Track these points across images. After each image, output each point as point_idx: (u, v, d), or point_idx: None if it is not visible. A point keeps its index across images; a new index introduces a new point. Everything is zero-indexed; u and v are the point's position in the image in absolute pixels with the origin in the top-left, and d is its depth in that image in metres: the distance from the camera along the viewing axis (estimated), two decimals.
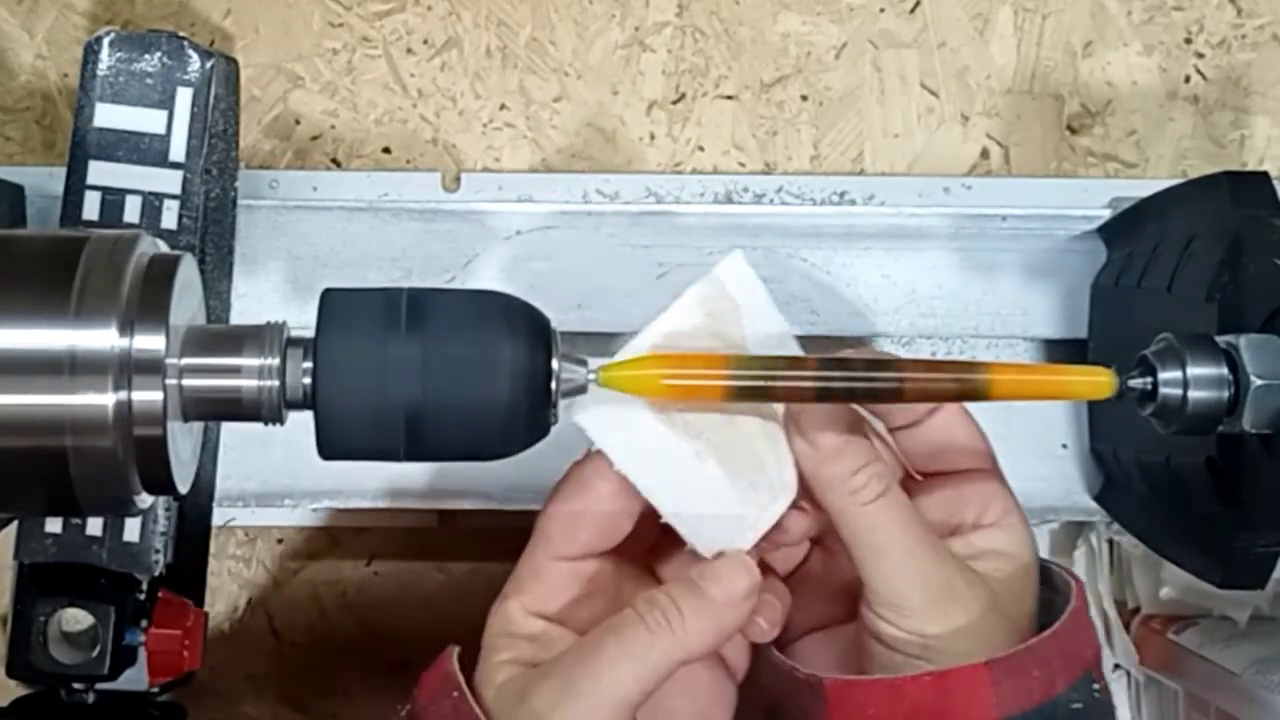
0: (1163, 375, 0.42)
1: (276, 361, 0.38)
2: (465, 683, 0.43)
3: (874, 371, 0.40)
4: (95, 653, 0.51)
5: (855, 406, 0.44)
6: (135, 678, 0.52)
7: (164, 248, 0.39)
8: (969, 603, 0.42)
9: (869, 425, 0.45)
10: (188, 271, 0.38)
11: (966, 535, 0.45)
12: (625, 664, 0.41)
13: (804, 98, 0.64)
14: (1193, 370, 0.42)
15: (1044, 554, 0.63)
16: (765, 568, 0.45)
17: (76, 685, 0.52)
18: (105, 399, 0.35)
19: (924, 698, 0.41)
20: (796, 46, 0.65)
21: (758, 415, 0.44)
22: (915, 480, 0.46)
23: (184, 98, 0.53)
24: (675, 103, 0.64)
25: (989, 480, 0.46)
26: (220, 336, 0.38)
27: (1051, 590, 0.46)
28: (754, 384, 0.40)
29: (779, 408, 0.44)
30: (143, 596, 0.52)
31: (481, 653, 0.45)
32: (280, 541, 0.64)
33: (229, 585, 0.64)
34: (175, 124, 0.53)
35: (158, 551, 0.52)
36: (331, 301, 0.38)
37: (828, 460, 0.43)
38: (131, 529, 0.51)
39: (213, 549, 0.61)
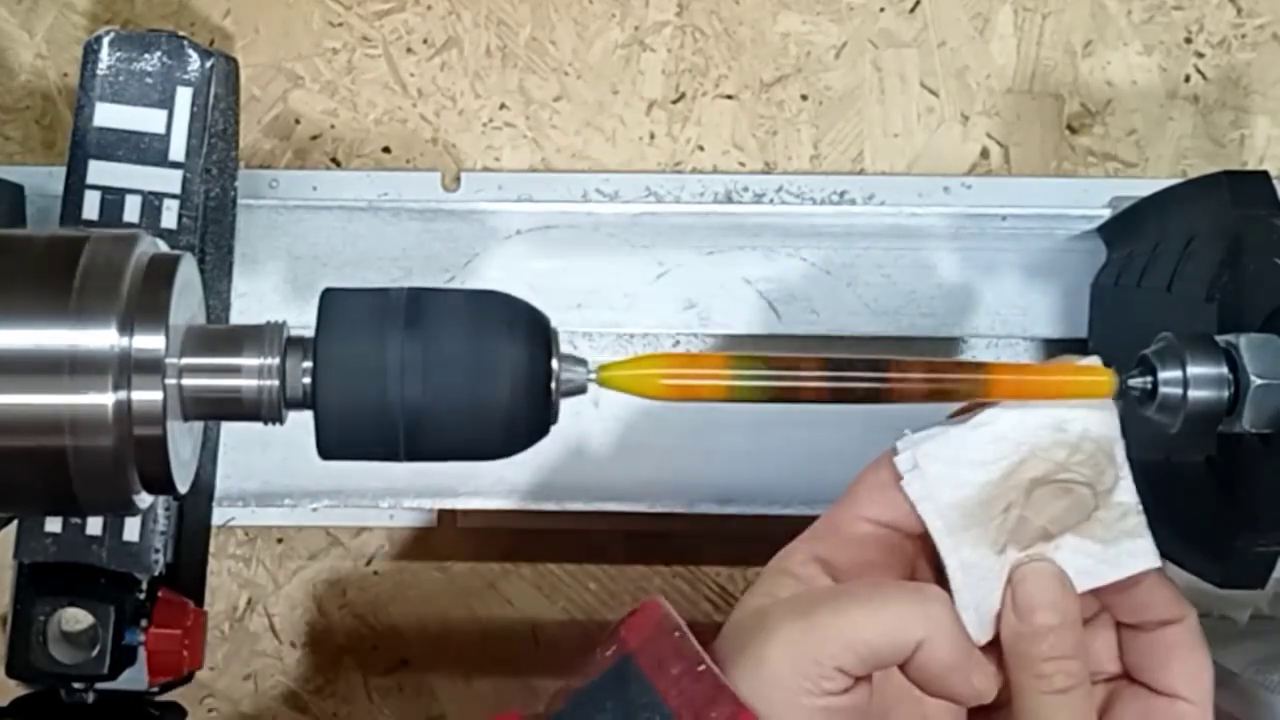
0: (1163, 375, 0.42)
1: (276, 361, 0.38)
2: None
3: (874, 371, 0.40)
4: (95, 652, 0.51)
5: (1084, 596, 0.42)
6: (135, 677, 0.52)
7: (164, 247, 0.39)
8: None
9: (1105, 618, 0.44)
10: (188, 271, 0.38)
11: None
12: (868, 610, 0.39)
13: (804, 97, 0.64)
14: (1193, 370, 0.42)
15: None
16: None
17: (76, 685, 0.52)
18: (105, 399, 0.35)
19: None
20: (796, 46, 0.65)
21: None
22: (1122, 682, 0.44)
23: (184, 97, 0.53)
24: (675, 102, 0.64)
25: (1195, 710, 0.43)
26: (220, 336, 0.38)
27: None
28: (754, 384, 0.40)
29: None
30: (142, 596, 0.52)
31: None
32: (280, 541, 0.64)
33: (229, 585, 0.64)
34: (175, 123, 0.53)
35: (158, 551, 0.52)
36: (331, 301, 0.38)
37: (1027, 636, 0.41)
38: (131, 529, 0.51)
39: (213, 549, 0.61)
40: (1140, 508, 0.42)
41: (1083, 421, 0.42)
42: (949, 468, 0.42)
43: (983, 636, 0.42)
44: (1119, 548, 0.42)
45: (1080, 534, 0.42)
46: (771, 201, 0.63)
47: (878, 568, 0.43)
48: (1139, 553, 0.42)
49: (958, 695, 0.41)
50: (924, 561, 0.44)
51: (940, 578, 0.42)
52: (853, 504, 0.43)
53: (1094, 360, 0.42)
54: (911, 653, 0.39)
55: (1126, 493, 0.42)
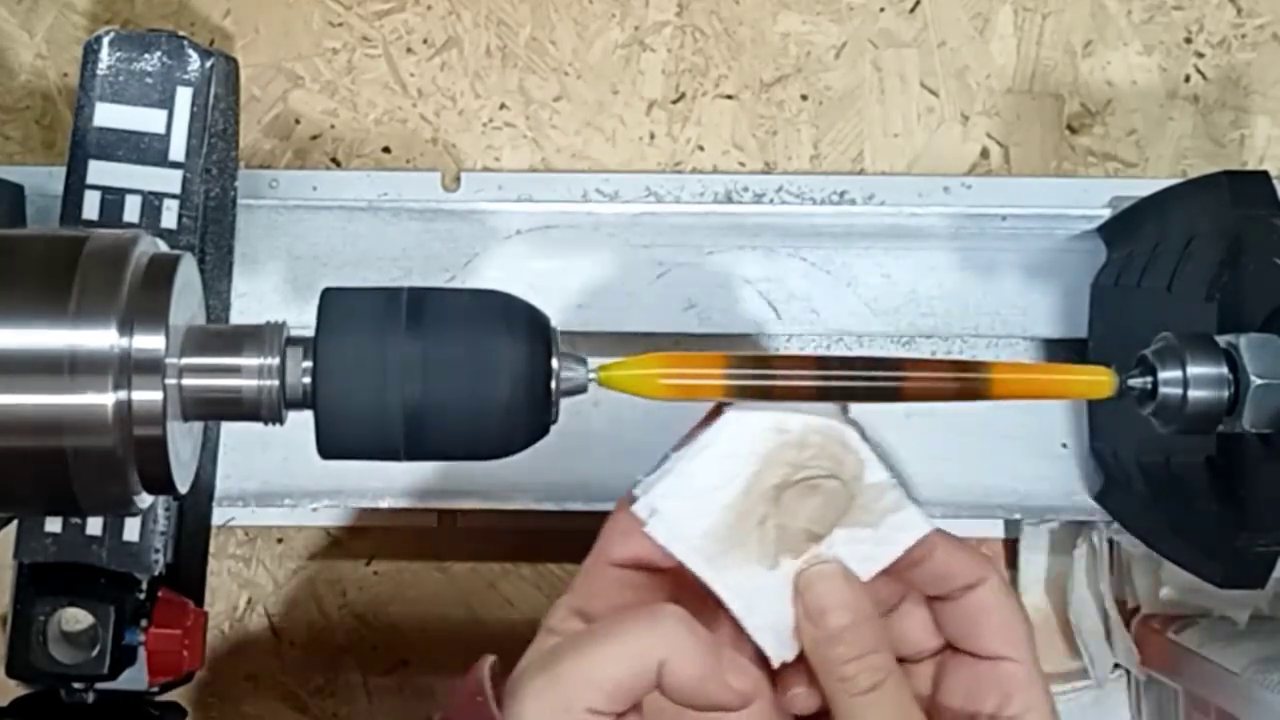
0: (1162, 374, 0.42)
1: (276, 361, 0.38)
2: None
3: (874, 370, 0.40)
4: (95, 652, 0.50)
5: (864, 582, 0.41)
6: (135, 677, 0.52)
7: (164, 247, 0.39)
8: None
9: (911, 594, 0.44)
10: (188, 271, 0.38)
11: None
12: (605, 646, 0.39)
13: (804, 97, 0.64)
14: (1192, 369, 0.42)
15: (1044, 553, 0.64)
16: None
17: (76, 685, 0.51)
18: (105, 399, 0.35)
19: None
20: (796, 46, 0.65)
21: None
22: (949, 653, 0.44)
23: (184, 97, 0.53)
24: (675, 102, 0.64)
25: (1019, 668, 0.43)
26: (220, 336, 0.38)
27: None
28: (754, 384, 0.40)
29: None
30: (142, 596, 0.52)
31: None
32: (280, 541, 0.64)
33: (229, 585, 0.64)
34: (175, 123, 0.53)
35: (158, 551, 0.52)
36: (331, 301, 0.38)
37: (824, 641, 0.41)
38: (131, 529, 0.51)
39: (213, 549, 0.61)
40: (895, 481, 0.41)
41: (800, 418, 0.41)
42: (686, 501, 0.41)
43: (788, 653, 0.41)
44: (887, 526, 0.41)
45: (847, 525, 0.41)
46: (771, 201, 0.63)
47: (633, 608, 0.42)
48: (908, 525, 0.41)
49: (721, 702, 0.40)
50: (688, 593, 0.42)
51: (720, 604, 0.42)
52: (601, 553, 0.43)
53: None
54: (657, 676, 0.38)
55: (876, 472, 0.41)
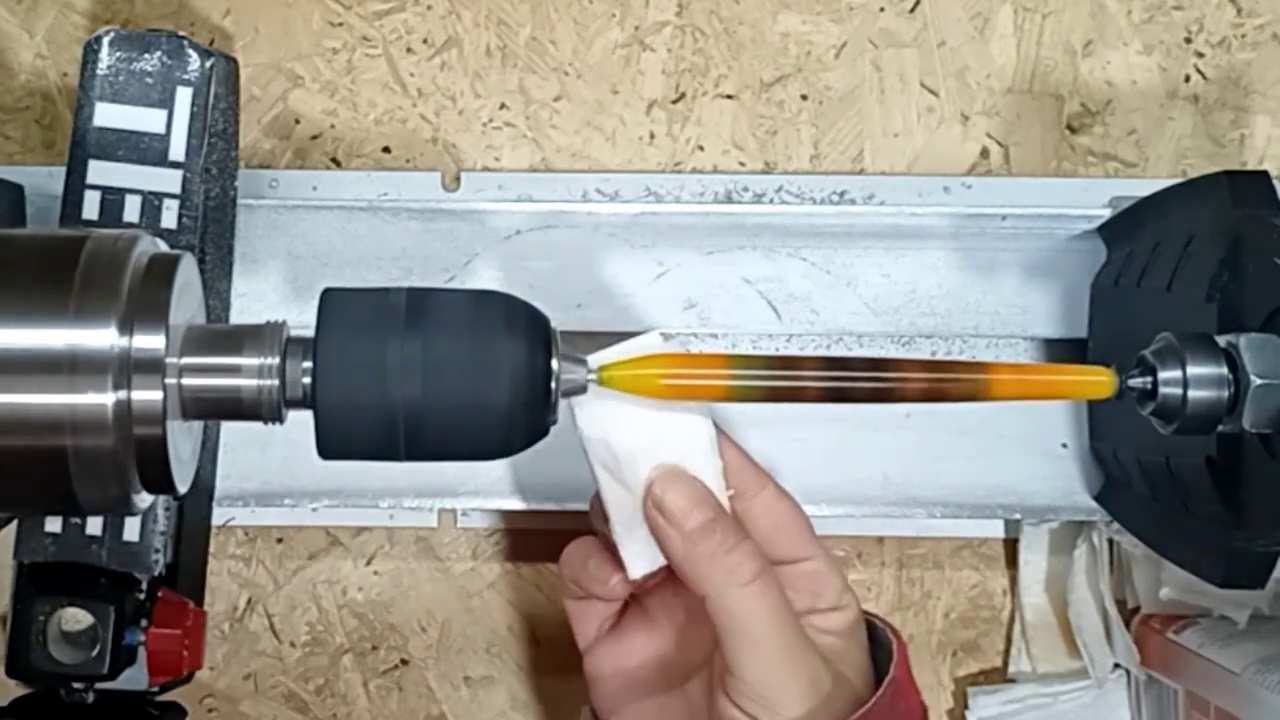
0: (1162, 375, 0.42)
1: (276, 361, 0.38)
2: None
3: (874, 371, 0.40)
4: (95, 652, 0.50)
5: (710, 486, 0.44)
6: (135, 677, 0.52)
7: (164, 247, 0.39)
8: (824, 686, 0.42)
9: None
10: (188, 271, 0.38)
11: (807, 618, 0.44)
12: None
13: (804, 97, 0.64)
14: (1192, 370, 0.42)
15: (1044, 553, 0.64)
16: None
17: (76, 685, 0.51)
18: (105, 398, 0.35)
19: None
20: (796, 46, 0.65)
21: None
22: None
23: (184, 97, 0.53)
24: (675, 102, 0.64)
25: (819, 562, 0.45)
26: (220, 336, 0.38)
27: (875, 645, 0.46)
28: (754, 384, 0.40)
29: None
30: (142, 596, 0.52)
31: None
32: (280, 541, 0.64)
33: (229, 585, 0.64)
34: (175, 123, 0.53)
35: (158, 551, 0.52)
36: (331, 301, 0.38)
37: (699, 539, 0.42)
38: (131, 528, 0.51)
39: (213, 549, 0.61)
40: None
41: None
42: (611, 412, 0.43)
43: (655, 562, 0.44)
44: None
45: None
46: (771, 201, 0.63)
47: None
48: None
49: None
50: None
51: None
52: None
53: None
54: None
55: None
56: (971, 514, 0.61)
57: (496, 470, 0.61)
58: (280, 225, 0.61)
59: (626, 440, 0.43)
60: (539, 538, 0.64)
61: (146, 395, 0.36)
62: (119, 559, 0.51)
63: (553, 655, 0.64)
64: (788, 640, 0.42)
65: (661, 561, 0.44)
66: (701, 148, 0.64)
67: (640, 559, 0.44)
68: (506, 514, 0.63)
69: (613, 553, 0.46)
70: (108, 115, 0.52)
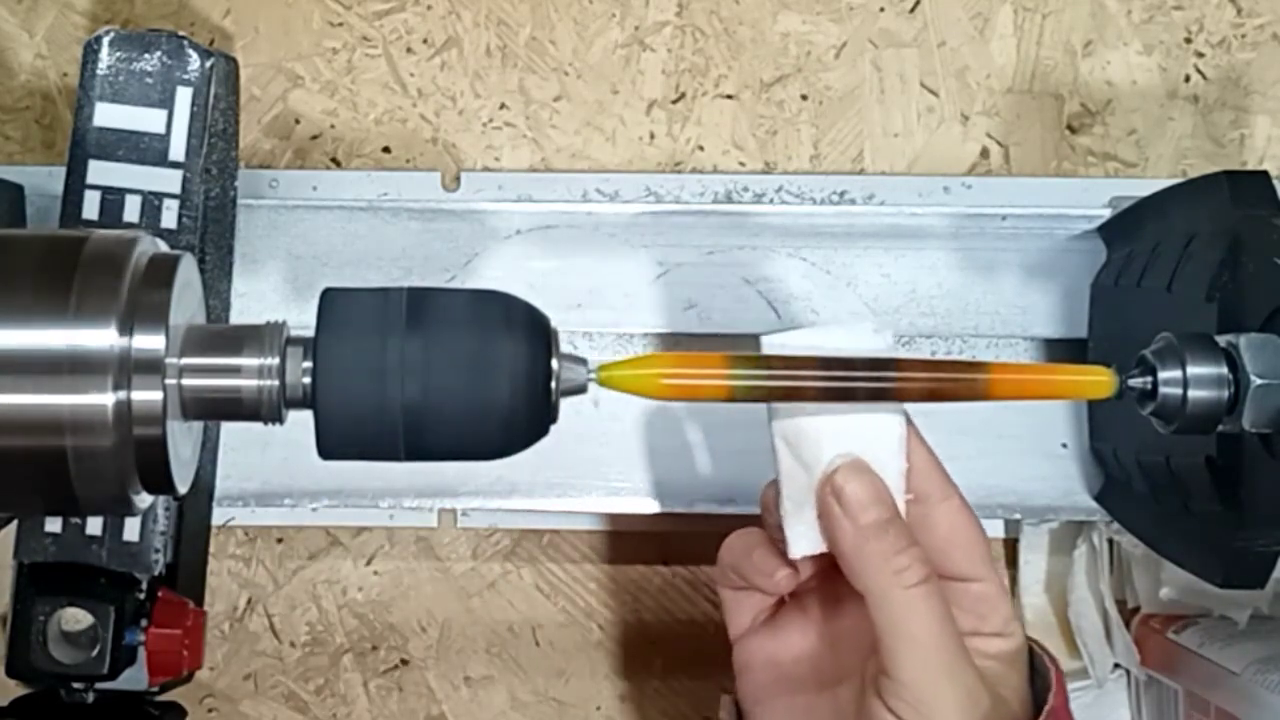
0: (1162, 374, 0.42)
1: (276, 361, 0.38)
2: None
3: (874, 371, 0.40)
4: (95, 652, 0.50)
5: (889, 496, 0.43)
6: (135, 677, 0.52)
7: (164, 247, 0.39)
8: (983, 703, 0.41)
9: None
10: (187, 271, 0.38)
11: (970, 639, 0.44)
12: None
13: (804, 97, 0.64)
14: (1192, 369, 0.42)
15: (1044, 553, 0.64)
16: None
17: (76, 685, 0.51)
18: (105, 399, 0.35)
19: None
20: (796, 46, 0.65)
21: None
22: None
23: (184, 97, 0.53)
24: (675, 102, 0.64)
25: (990, 585, 0.44)
26: (220, 336, 0.38)
27: (1034, 673, 0.46)
28: (754, 384, 0.40)
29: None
30: (142, 596, 0.52)
31: None
32: (280, 541, 0.64)
33: (229, 585, 0.64)
34: (175, 123, 0.53)
35: (158, 551, 0.52)
36: (331, 301, 0.38)
37: (871, 535, 0.42)
38: (131, 528, 0.51)
39: (213, 549, 0.61)
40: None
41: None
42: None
43: (817, 546, 0.43)
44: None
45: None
46: (771, 201, 0.63)
47: None
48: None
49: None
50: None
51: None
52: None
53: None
54: None
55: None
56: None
57: (496, 470, 0.61)
58: (280, 225, 0.61)
59: (815, 420, 0.43)
60: (540, 538, 0.64)
61: (146, 395, 0.36)
62: (119, 559, 0.51)
63: (553, 655, 0.64)
64: (949, 648, 0.41)
65: (823, 547, 0.44)
66: (701, 148, 0.64)
67: (804, 539, 0.44)
68: (506, 514, 0.63)
69: (779, 547, 0.45)
70: (108, 115, 0.52)
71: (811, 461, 0.43)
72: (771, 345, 0.43)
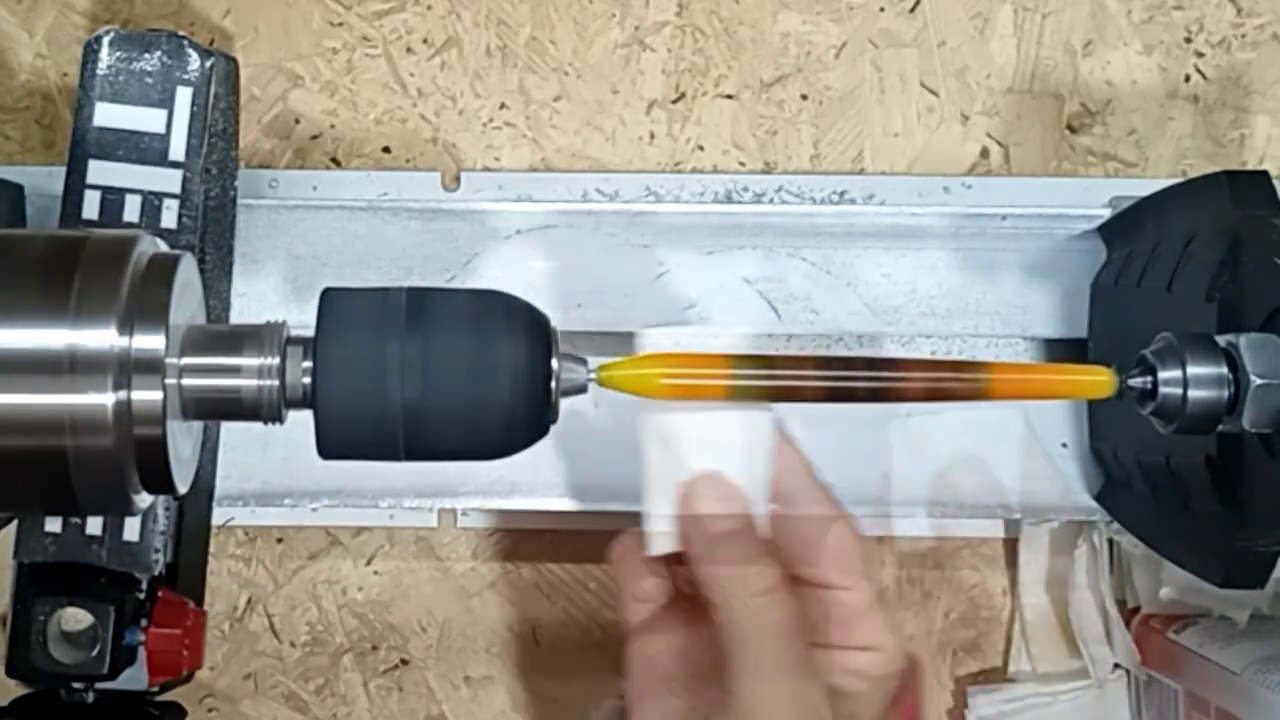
0: (1162, 374, 0.42)
1: (276, 361, 0.38)
2: None
3: (874, 371, 0.40)
4: (95, 652, 0.50)
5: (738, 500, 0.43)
6: (135, 677, 0.52)
7: (164, 247, 0.39)
8: None
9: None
10: (187, 271, 0.38)
11: (830, 651, 0.42)
12: None
13: (804, 97, 0.64)
14: (1192, 369, 0.42)
15: (1044, 553, 0.64)
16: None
17: (76, 685, 0.51)
18: (105, 398, 0.35)
19: None
20: (796, 46, 0.65)
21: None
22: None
23: (184, 97, 0.53)
24: (675, 102, 0.64)
25: (859, 595, 0.43)
26: (220, 336, 0.38)
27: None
28: (754, 384, 0.40)
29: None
30: (142, 596, 0.52)
31: None
32: (280, 541, 0.64)
33: (229, 585, 0.64)
34: (175, 123, 0.53)
35: (158, 551, 0.52)
36: (331, 301, 0.38)
37: (720, 543, 0.41)
38: (131, 528, 0.51)
39: (213, 549, 0.61)
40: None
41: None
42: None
43: (675, 546, 0.43)
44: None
45: None
46: (771, 201, 0.63)
47: None
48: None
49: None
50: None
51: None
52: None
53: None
54: None
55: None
56: (971, 514, 0.61)
57: (496, 470, 0.61)
58: (280, 225, 0.61)
59: (683, 417, 0.43)
60: (539, 538, 0.64)
61: (146, 395, 0.36)
62: (119, 559, 0.51)
63: (553, 655, 0.64)
64: (786, 664, 0.40)
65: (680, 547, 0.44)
66: (701, 148, 0.64)
67: (663, 538, 0.44)
68: (506, 514, 0.63)
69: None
70: (108, 115, 0.52)
71: (676, 460, 0.43)
72: (649, 337, 0.43)
